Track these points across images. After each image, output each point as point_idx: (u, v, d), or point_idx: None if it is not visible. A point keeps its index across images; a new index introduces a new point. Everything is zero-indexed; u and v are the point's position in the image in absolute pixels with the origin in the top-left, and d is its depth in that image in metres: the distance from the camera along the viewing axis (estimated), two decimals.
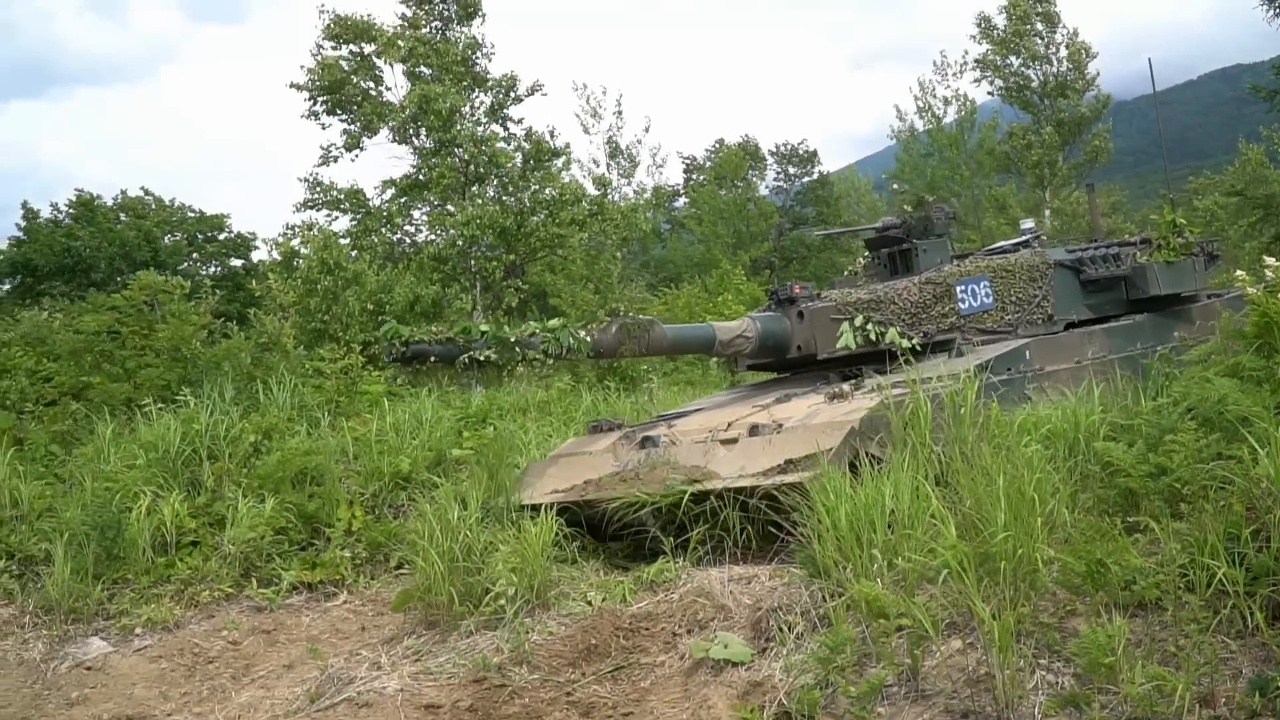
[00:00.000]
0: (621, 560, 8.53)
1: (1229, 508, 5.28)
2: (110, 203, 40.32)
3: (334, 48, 23.59)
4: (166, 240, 39.87)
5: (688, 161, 53.92)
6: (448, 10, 23.84)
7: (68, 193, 70.61)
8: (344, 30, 23.34)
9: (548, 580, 7.64)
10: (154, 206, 41.10)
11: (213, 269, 40.68)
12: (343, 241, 23.45)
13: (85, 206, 39.05)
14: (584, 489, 8.54)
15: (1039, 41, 36.35)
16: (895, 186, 44.14)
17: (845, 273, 12.09)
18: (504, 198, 23.21)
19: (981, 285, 10.30)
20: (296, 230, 24.34)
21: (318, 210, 24.12)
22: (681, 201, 51.93)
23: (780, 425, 8.09)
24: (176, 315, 14.48)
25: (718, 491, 7.60)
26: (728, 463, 7.94)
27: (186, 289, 15.87)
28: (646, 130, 67.46)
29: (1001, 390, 8.45)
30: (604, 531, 8.58)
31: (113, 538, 8.74)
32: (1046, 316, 10.59)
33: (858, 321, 9.75)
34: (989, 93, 37.98)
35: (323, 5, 23.36)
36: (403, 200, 24.03)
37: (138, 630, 8.15)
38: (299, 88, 23.45)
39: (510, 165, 23.09)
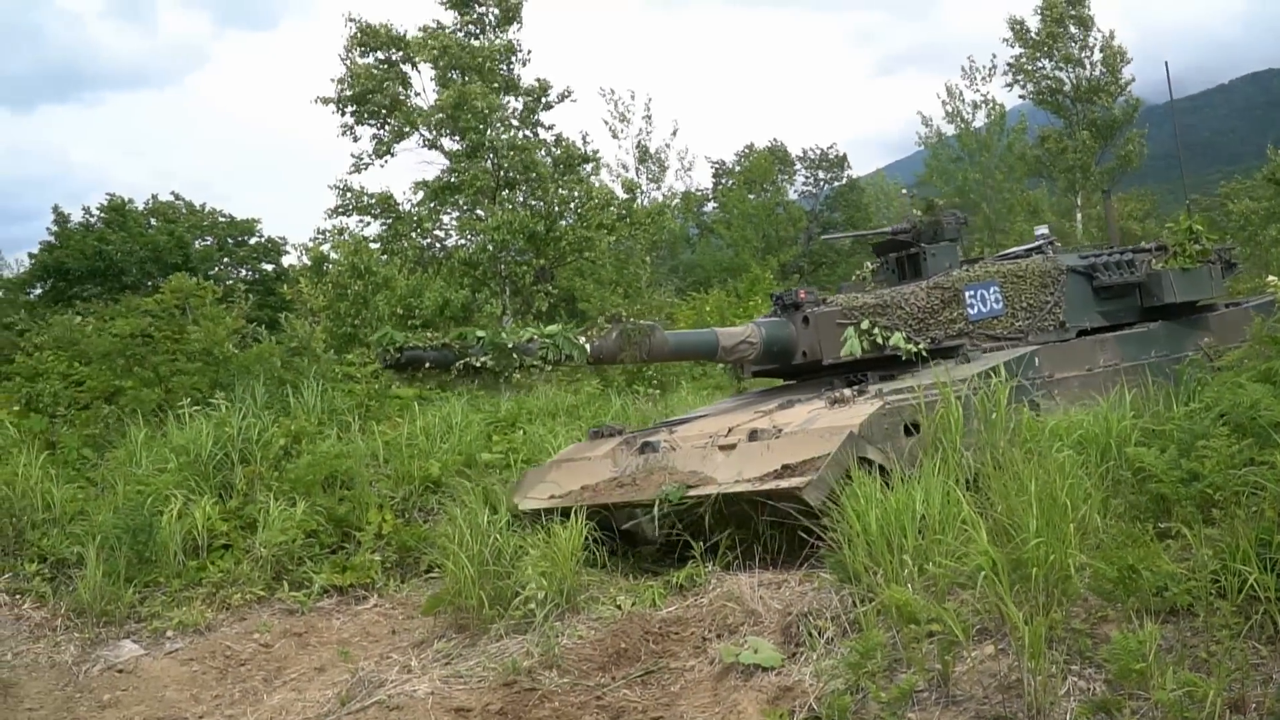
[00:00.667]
0: (650, 565, 8.53)
1: (1261, 513, 5.25)
2: (141, 207, 40.60)
3: (362, 54, 23.67)
4: (197, 245, 40.10)
5: (716, 166, 53.93)
6: (487, 15, 23.89)
7: (98, 197, 71.07)
8: (371, 39, 23.40)
9: (577, 584, 7.66)
10: (185, 211, 41.38)
11: (243, 273, 40.87)
12: (373, 246, 23.52)
13: (116, 211, 39.34)
14: (580, 495, 8.49)
15: (1073, 45, 36.16)
16: (905, 191, 44.06)
17: (854, 277, 11.96)
18: (533, 202, 23.23)
19: (991, 291, 10.13)
20: (327, 235, 24.46)
21: (348, 215, 24.21)
22: (711, 206, 51.92)
23: (780, 430, 8.03)
24: (209, 319, 14.55)
25: (713, 497, 7.54)
26: (725, 468, 7.86)
27: (219, 293, 15.95)
28: (674, 134, 67.39)
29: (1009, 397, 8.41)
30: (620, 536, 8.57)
31: (144, 541, 8.78)
32: (1058, 323, 10.41)
33: (863, 326, 9.59)
34: (1020, 96, 37.85)
35: (350, 14, 23.46)
36: (433, 204, 24.07)
37: (169, 633, 8.18)
38: (326, 101, 23.53)
39: (542, 170, 23.10)
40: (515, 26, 24.22)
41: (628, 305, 26.17)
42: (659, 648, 6.92)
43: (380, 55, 23.77)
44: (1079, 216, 35.83)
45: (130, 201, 40.38)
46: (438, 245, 24.35)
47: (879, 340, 9.56)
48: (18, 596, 8.60)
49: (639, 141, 40.55)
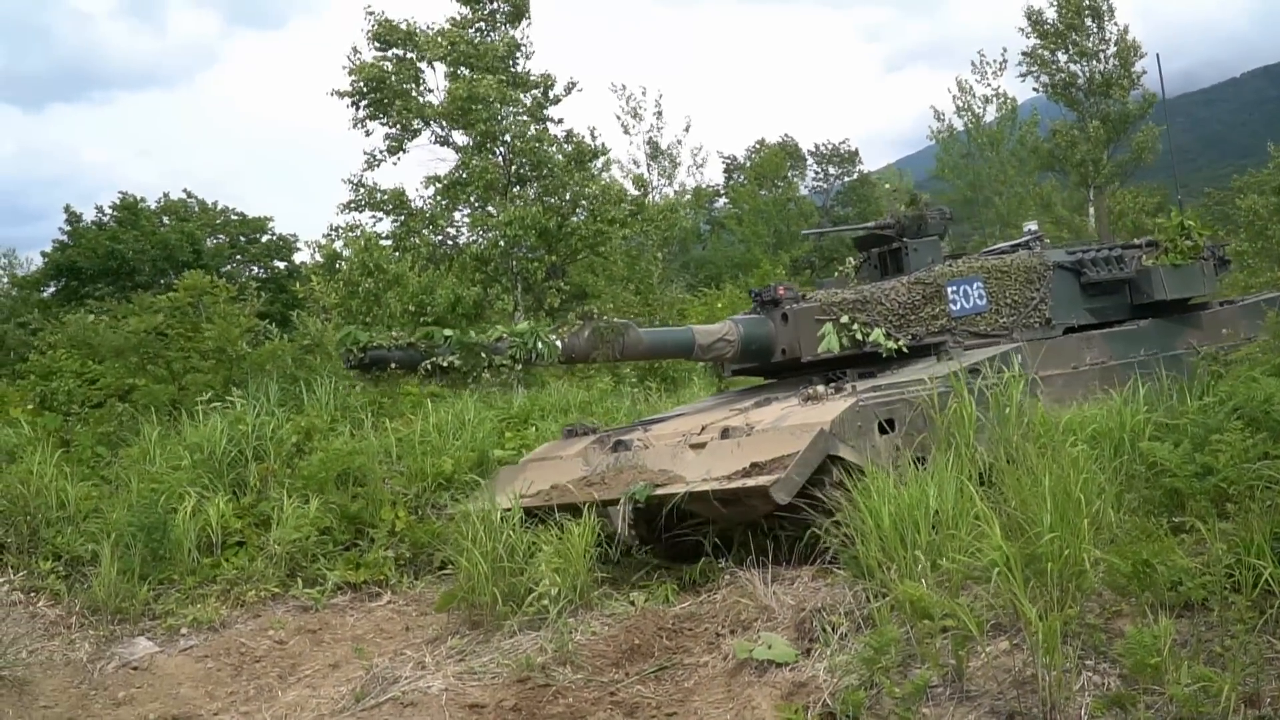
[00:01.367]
0: (664, 561, 8.54)
1: (1276, 507, 5.25)
2: (153, 206, 40.69)
3: (379, 48, 23.67)
4: (209, 243, 40.18)
5: (728, 161, 53.90)
6: (496, 9, 23.86)
7: (110, 196, 71.35)
8: (389, 34, 23.41)
9: (590, 581, 7.67)
10: (197, 209, 41.46)
11: (255, 271, 40.95)
12: (385, 243, 23.52)
13: (128, 210, 39.43)
14: (550, 494, 8.40)
15: (1089, 37, 36.02)
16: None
17: (836, 273, 11.77)
18: (545, 198, 23.21)
19: (974, 286, 9.91)
20: (339, 232, 24.46)
21: (360, 212, 24.22)
22: (722, 202, 51.89)
23: (752, 429, 7.93)
24: (222, 317, 14.58)
25: (679, 495, 7.41)
26: (695, 466, 7.74)
27: (233, 291, 15.98)
28: (686, 130, 67.26)
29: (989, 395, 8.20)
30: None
31: (159, 538, 8.80)
32: (1044, 320, 10.16)
33: (842, 322, 9.42)
34: (1034, 89, 37.75)
35: (369, 6, 23.47)
36: (444, 201, 24.07)
37: (184, 630, 8.21)
38: (341, 94, 23.55)
39: (553, 165, 23.09)
40: (525, 22, 24.21)
41: (639, 302, 26.18)
42: (672, 644, 6.93)
43: (397, 51, 23.76)
44: (1091, 210, 35.74)
45: (142, 200, 40.49)
46: (450, 242, 24.35)
47: (858, 337, 9.43)
48: (32, 594, 8.63)
49: (650, 137, 40.53)
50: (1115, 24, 36.29)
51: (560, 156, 23.62)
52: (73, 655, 7.86)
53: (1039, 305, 10.12)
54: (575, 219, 23.24)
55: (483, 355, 8.44)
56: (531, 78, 24.12)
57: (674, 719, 5.84)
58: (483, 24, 24.02)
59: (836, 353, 9.36)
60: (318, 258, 28.35)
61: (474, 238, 23.86)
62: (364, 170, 24.09)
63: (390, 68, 23.54)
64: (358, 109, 23.75)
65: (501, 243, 22.38)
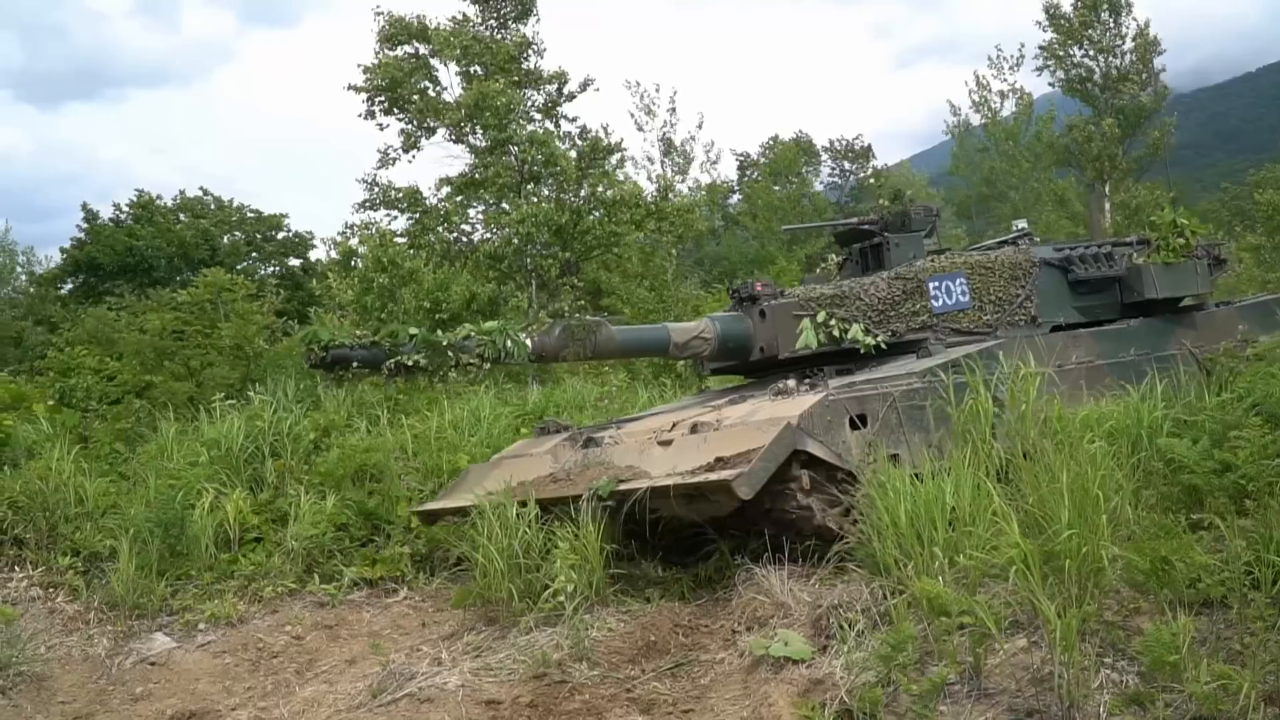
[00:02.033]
0: (680, 558, 8.53)
1: None
2: (169, 203, 40.79)
3: (390, 48, 23.69)
4: (225, 240, 40.26)
5: (741, 158, 53.77)
6: (504, 7, 23.84)
7: (126, 194, 71.65)
8: (400, 31, 23.42)
9: (606, 577, 7.67)
10: (213, 206, 41.54)
11: (271, 268, 41.02)
12: (400, 241, 23.55)
13: (145, 207, 39.54)
14: (516, 491, 8.27)
15: (1107, 33, 35.88)
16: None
17: (818, 269, 11.50)
18: (560, 195, 23.20)
19: (957, 282, 9.63)
20: (355, 230, 24.50)
21: (376, 210, 24.25)
22: (736, 198, 51.79)
23: (721, 424, 7.86)
24: (240, 315, 14.63)
25: (642, 490, 7.30)
26: (661, 462, 7.65)
27: (251, 288, 16.02)
28: (700, 127, 67.15)
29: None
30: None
31: (177, 534, 8.85)
32: (1029, 318, 9.85)
33: (820, 318, 9.19)
34: (1050, 84, 37.63)
35: (378, 6, 23.49)
36: (459, 199, 24.08)
37: (201, 625, 8.24)
38: (357, 89, 23.58)
39: (566, 163, 23.06)
40: (533, 19, 24.19)
41: (654, 298, 26.16)
42: (689, 640, 6.94)
43: (409, 49, 23.77)
44: (1107, 205, 35.60)
45: (158, 197, 40.58)
46: (464, 239, 24.35)
47: (836, 333, 9.22)
48: (51, 590, 8.69)
49: (664, 134, 40.50)
50: (1133, 19, 36.18)
51: (573, 154, 23.59)
52: (91, 651, 7.90)
53: (1024, 303, 9.88)
54: (590, 218, 23.20)
55: (449, 354, 8.28)
56: (544, 75, 24.10)
57: (690, 715, 5.84)
58: (493, 21, 24.00)
59: (814, 349, 9.17)
60: (334, 255, 28.40)
61: (488, 235, 23.86)
62: (378, 167, 24.13)
63: (404, 67, 23.55)
64: (372, 103, 23.79)
65: (515, 240, 22.37)
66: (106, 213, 39.52)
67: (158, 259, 36.77)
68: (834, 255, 11.18)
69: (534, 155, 22.52)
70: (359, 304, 22.05)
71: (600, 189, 23.46)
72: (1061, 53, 36.61)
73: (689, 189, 40.81)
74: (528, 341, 8.54)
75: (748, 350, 9.46)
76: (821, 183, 53.19)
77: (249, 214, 42.01)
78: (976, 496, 6.19)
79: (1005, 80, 40.04)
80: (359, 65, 23.59)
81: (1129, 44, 35.82)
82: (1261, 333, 9.77)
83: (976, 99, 40.79)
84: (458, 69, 23.63)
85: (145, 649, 7.87)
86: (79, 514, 9.35)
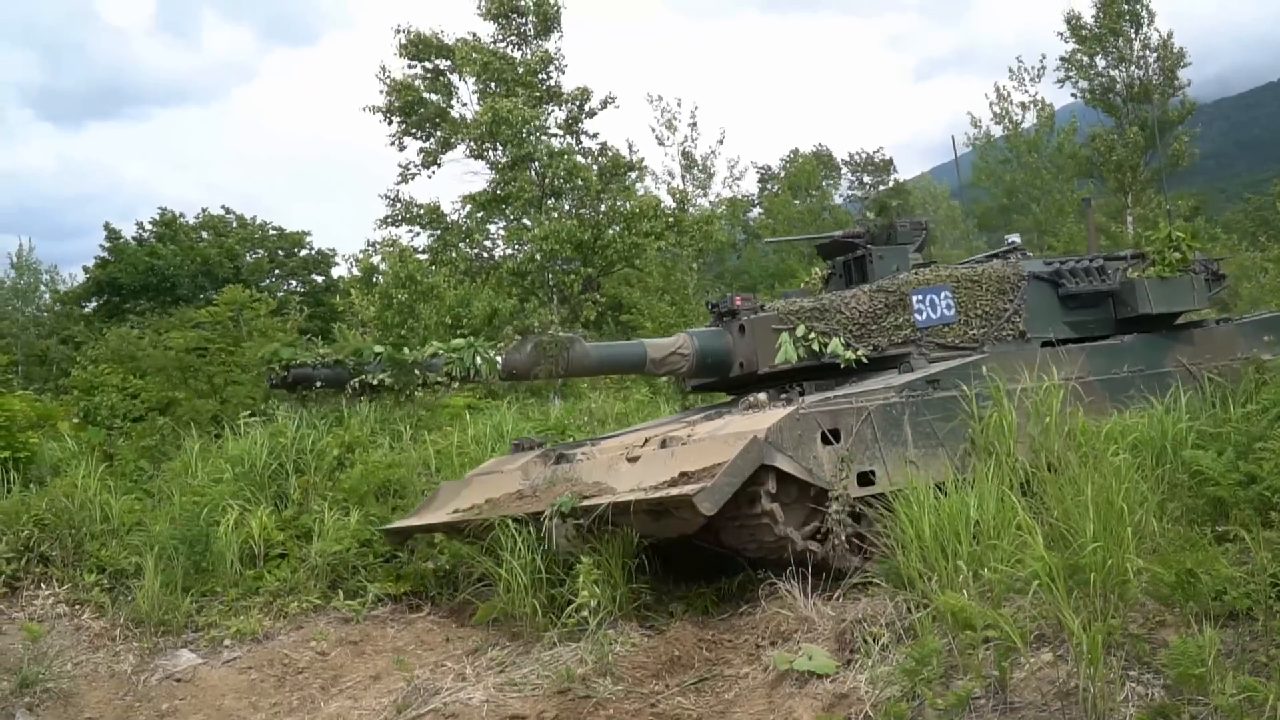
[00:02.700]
0: (703, 572, 8.53)
1: None
2: (192, 221, 41.00)
3: (409, 65, 23.82)
4: (248, 258, 40.44)
5: (762, 171, 53.80)
6: (525, 26, 23.94)
7: (148, 212, 71.86)
8: (420, 48, 23.54)
9: (629, 592, 7.67)
10: (235, 224, 41.73)
11: (294, 285, 41.19)
12: (422, 257, 23.65)
13: (167, 225, 39.74)
14: (482, 508, 8.24)
15: (1130, 44, 35.74)
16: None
17: (802, 284, 11.15)
18: (581, 211, 23.26)
19: (942, 296, 9.31)
20: (377, 247, 24.62)
21: (398, 226, 24.37)
22: (756, 212, 51.80)
23: (690, 439, 7.71)
24: (263, 332, 14.69)
25: (604, 506, 7.19)
26: (628, 477, 7.54)
27: (273, 305, 16.10)
28: (721, 141, 67.18)
29: (949, 408, 7.89)
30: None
31: (201, 551, 8.89)
32: (1018, 333, 9.51)
33: (799, 332, 8.91)
34: (1072, 94, 37.51)
35: (398, 25, 23.61)
36: (480, 215, 24.19)
37: (227, 642, 8.26)
38: (375, 109, 23.72)
39: (587, 178, 23.13)
40: (556, 35, 24.28)
41: (674, 313, 26.15)
42: (712, 655, 6.93)
43: (428, 65, 23.89)
44: (1129, 217, 35.48)
45: (181, 216, 40.81)
46: (486, 255, 24.45)
47: (816, 347, 8.93)
48: (77, 607, 8.71)
49: (684, 149, 40.51)
50: (1155, 29, 36.02)
51: (595, 169, 23.65)
52: (117, 667, 7.93)
53: (1012, 317, 9.53)
54: (610, 232, 23.25)
55: (416, 372, 8.15)
56: (565, 92, 24.17)
57: None
58: (515, 38, 24.09)
59: (793, 364, 8.89)
60: (355, 272, 28.52)
61: (510, 251, 23.94)
62: (399, 184, 24.24)
63: (423, 84, 23.65)
64: (391, 124, 23.90)
65: (538, 256, 22.44)
66: (129, 231, 39.77)
67: (180, 277, 36.96)
68: (817, 269, 10.95)
69: (556, 171, 22.59)
70: (380, 320, 22.15)
71: (619, 203, 23.51)
72: (1085, 62, 36.48)
73: (710, 203, 40.73)
74: (498, 359, 8.39)
75: (727, 366, 9.30)
76: (841, 196, 53.18)
77: (271, 231, 42.21)
78: (1000, 509, 6.18)
79: (1026, 91, 39.96)
80: (378, 78, 23.70)
81: (1151, 55, 35.68)
82: (1264, 351, 9.60)
83: (997, 110, 40.69)
84: (476, 85, 23.72)
85: (171, 665, 7.89)
86: (104, 531, 9.38)
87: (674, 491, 6.79)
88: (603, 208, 23.54)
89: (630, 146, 24.48)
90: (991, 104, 40.77)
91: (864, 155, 53.39)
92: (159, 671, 7.83)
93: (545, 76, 24.02)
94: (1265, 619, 4.81)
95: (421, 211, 24.16)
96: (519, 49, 24.02)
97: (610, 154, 24.25)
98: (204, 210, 42.03)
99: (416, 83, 23.78)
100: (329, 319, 31.74)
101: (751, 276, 44.63)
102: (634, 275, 25.67)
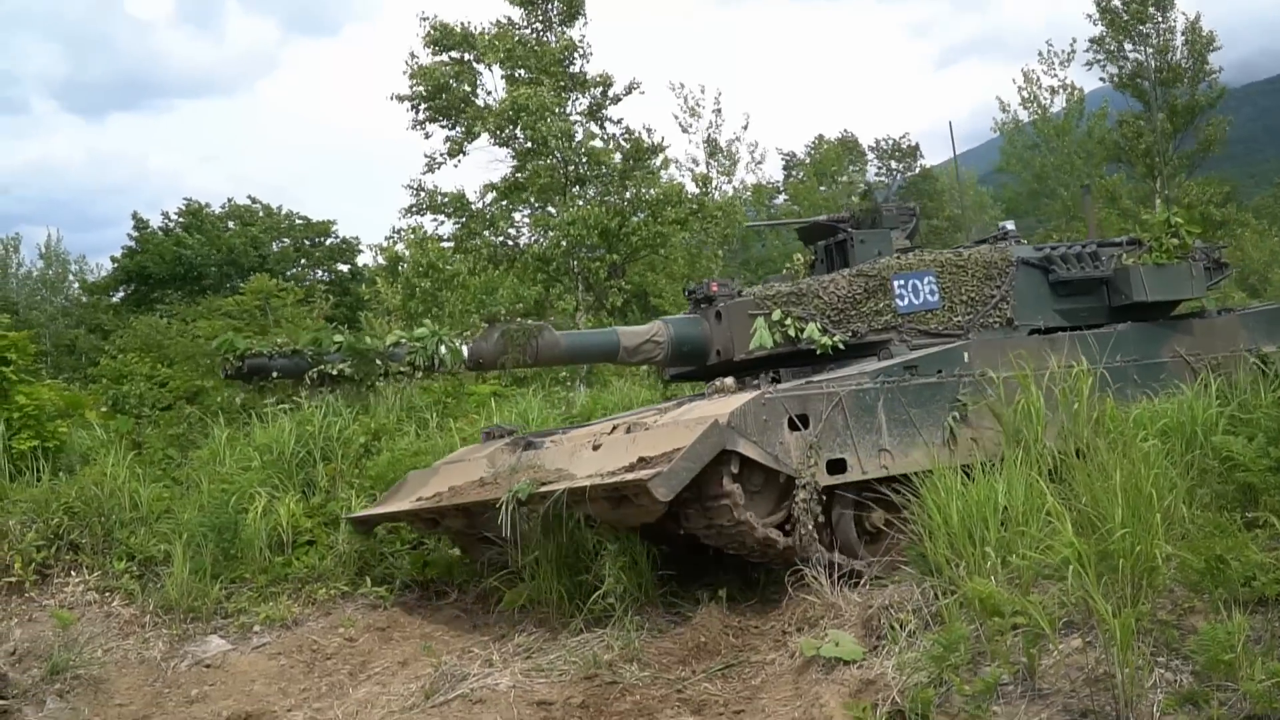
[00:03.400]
0: (729, 559, 8.52)
1: None
2: (218, 211, 41.15)
3: (434, 54, 23.81)
4: (274, 247, 40.57)
5: (786, 158, 53.61)
6: (550, 11, 23.90)
7: (174, 202, 72.19)
8: (445, 37, 23.52)
9: (655, 579, 7.67)
10: (261, 214, 41.86)
11: (320, 274, 41.33)
12: (446, 245, 23.67)
13: (194, 215, 39.90)
14: (444, 495, 8.12)
15: (1157, 27, 35.48)
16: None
17: (785, 269, 10.77)
18: (605, 198, 23.23)
19: (925, 281, 8.99)
20: (401, 235, 24.66)
21: (422, 215, 24.40)
22: (781, 198, 51.64)
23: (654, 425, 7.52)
24: (290, 320, 14.73)
25: (559, 492, 7.00)
26: (590, 463, 7.34)
27: (300, 294, 16.14)
28: (745, 127, 67.04)
29: (926, 394, 7.73)
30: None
31: (230, 538, 8.94)
32: (1005, 320, 9.18)
33: (775, 317, 8.67)
34: (1100, 79, 37.27)
35: (423, 13, 23.60)
36: (504, 203, 24.19)
37: (256, 628, 8.31)
38: (401, 99, 23.73)
39: (610, 165, 23.09)
40: (580, 22, 24.22)
41: None
42: (739, 641, 6.94)
43: (454, 54, 23.88)
44: (1158, 202, 35.26)
45: (207, 205, 40.97)
46: (510, 243, 24.45)
47: (792, 333, 8.70)
48: (107, 594, 8.78)
49: (709, 135, 40.39)
50: (1183, 14, 35.77)
51: (618, 155, 23.62)
52: (147, 654, 7.99)
53: (999, 304, 9.21)
54: (635, 219, 23.21)
55: (378, 362, 8.02)
56: (589, 78, 24.13)
57: (741, 716, 5.84)
58: (539, 25, 24.06)
59: (768, 350, 8.68)
60: (380, 260, 28.59)
61: (535, 238, 23.94)
62: (424, 173, 24.26)
63: (449, 71, 23.65)
64: (417, 112, 23.92)
65: (563, 243, 22.43)
66: (156, 221, 39.93)
67: (207, 266, 37.11)
68: (799, 255, 10.61)
69: (577, 157, 22.57)
70: (405, 309, 22.19)
71: (643, 190, 23.47)
72: (1113, 47, 36.23)
73: (734, 188, 40.64)
74: (464, 348, 8.26)
75: (705, 354, 9.13)
76: (867, 182, 52.96)
77: (298, 221, 42.32)
78: (1029, 496, 6.15)
79: (1055, 76, 39.74)
80: (404, 71, 23.71)
81: (1179, 39, 35.41)
82: (1266, 342, 9.42)
83: (1025, 95, 40.49)
84: (501, 72, 23.72)
85: (200, 651, 7.95)
86: (133, 519, 9.44)
87: (629, 477, 6.62)
88: (627, 195, 23.49)
89: (649, 131, 24.23)
90: (1020, 88, 40.57)
91: (890, 141, 53.11)
92: (188, 658, 7.89)
93: (569, 63, 23.97)
94: None
95: (445, 200, 24.16)
96: (544, 35, 23.98)
97: (633, 139, 24.18)
98: (230, 200, 42.21)
99: (442, 69, 23.75)
100: (355, 307, 31.86)
101: (775, 264, 44.54)
102: (659, 262, 25.60)
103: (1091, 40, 36.52)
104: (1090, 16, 36.39)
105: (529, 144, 23.01)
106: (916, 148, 53.37)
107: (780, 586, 7.40)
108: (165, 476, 10.65)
